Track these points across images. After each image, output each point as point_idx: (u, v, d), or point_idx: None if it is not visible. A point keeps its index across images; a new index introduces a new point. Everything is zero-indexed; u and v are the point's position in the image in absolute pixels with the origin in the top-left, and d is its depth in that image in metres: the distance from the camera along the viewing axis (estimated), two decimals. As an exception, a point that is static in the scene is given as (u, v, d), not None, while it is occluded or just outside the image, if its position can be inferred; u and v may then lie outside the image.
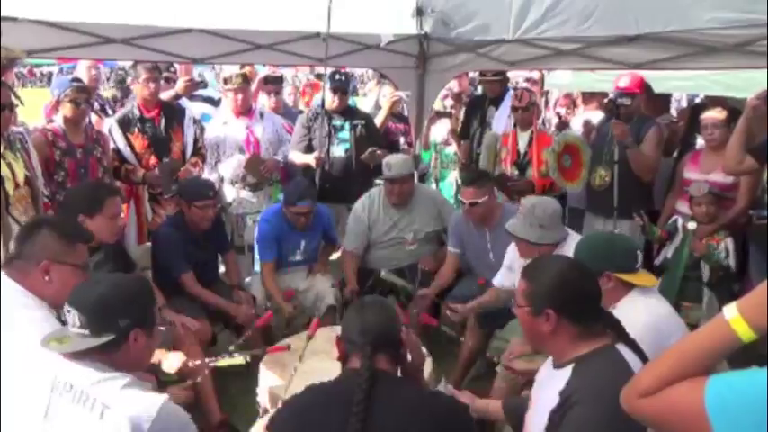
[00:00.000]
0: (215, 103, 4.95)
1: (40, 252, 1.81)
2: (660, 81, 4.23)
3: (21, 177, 2.73)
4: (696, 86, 4.93)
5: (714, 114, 3.47)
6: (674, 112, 5.59)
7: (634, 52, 3.63)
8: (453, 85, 5.28)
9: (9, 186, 2.66)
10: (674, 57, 3.47)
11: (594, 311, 1.58)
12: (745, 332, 0.95)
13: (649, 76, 3.90)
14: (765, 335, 0.95)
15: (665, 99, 4.74)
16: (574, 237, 2.76)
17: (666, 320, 2.00)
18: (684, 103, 6.57)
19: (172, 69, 4.74)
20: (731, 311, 0.97)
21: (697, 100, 5.80)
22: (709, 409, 0.90)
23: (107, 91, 5.11)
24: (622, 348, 1.54)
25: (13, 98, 2.73)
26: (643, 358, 1.55)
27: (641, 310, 1.96)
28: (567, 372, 1.55)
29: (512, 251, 3.00)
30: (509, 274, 2.98)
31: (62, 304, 1.80)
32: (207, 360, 2.54)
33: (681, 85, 4.95)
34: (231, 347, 2.67)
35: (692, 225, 3.29)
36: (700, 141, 3.96)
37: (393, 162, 3.58)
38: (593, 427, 1.44)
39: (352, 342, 1.55)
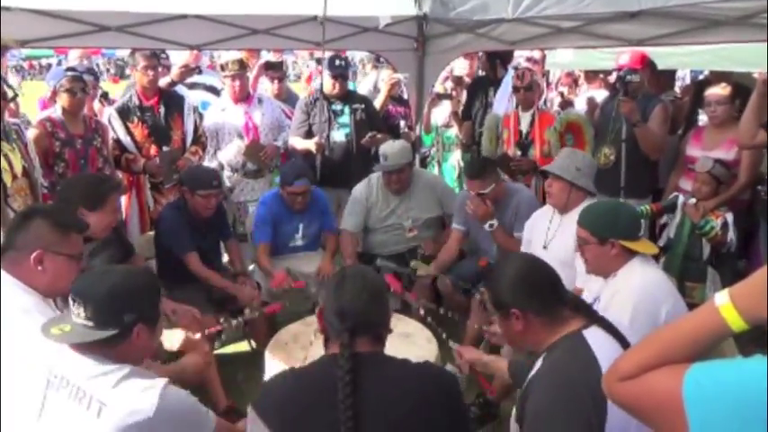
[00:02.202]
0: (218, 92, 4.90)
1: (33, 241, 1.76)
2: (663, 57, 4.17)
3: (18, 168, 2.71)
4: (700, 62, 4.89)
5: (718, 91, 3.42)
6: (677, 89, 5.53)
7: (636, 28, 3.57)
8: (464, 67, 5.21)
9: (7, 178, 2.64)
10: (676, 32, 3.42)
11: (555, 298, 1.61)
12: (735, 321, 0.88)
13: (652, 52, 3.84)
14: (758, 325, 0.89)
15: (669, 76, 4.69)
16: None
17: (659, 286, 2.05)
18: (688, 80, 6.50)
19: (163, 56, 4.68)
20: (722, 298, 0.90)
21: (701, 77, 5.74)
22: (685, 397, 0.85)
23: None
24: (591, 332, 1.55)
25: (6, 89, 2.71)
26: (618, 337, 1.55)
27: (637, 277, 2.03)
28: (540, 361, 1.58)
29: (528, 230, 3.06)
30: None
31: (55, 295, 1.77)
32: (207, 332, 2.49)
33: (684, 60, 4.90)
34: (233, 321, 2.63)
35: (692, 201, 3.27)
36: (703, 118, 3.92)
37: (389, 153, 3.50)
38: (542, 413, 1.45)
39: (330, 323, 1.45)
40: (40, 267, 1.76)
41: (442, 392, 1.42)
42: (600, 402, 1.40)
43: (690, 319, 0.96)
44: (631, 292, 1.95)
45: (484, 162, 3.55)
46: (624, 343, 1.55)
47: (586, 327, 1.56)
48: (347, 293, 1.45)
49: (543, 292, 1.60)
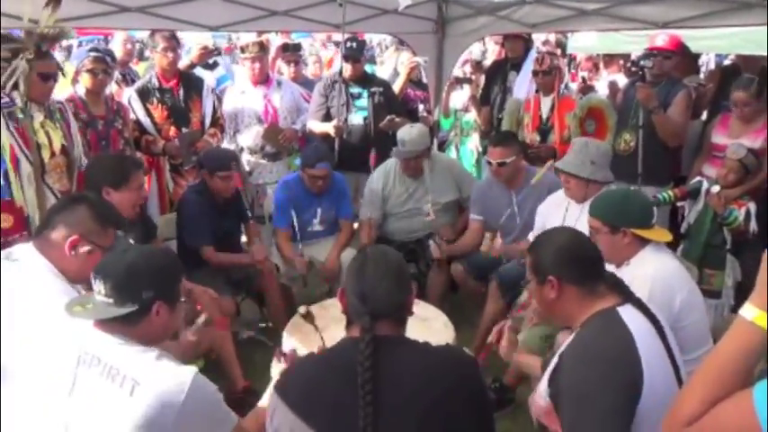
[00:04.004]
0: (210, 67, 4.88)
1: (73, 225, 1.80)
2: (690, 40, 4.05)
3: (57, 146, 2.80)
4: (730, 45, 4.73)
5: (742, 94, 3.26)
6: (701, 74, 5.40)
7: (663, 10, 3.50)
8: (493, 51, 5.15)
9: (45, 154, 2.74)
10: (704, 14, 3.34)
11: (594, 272, 1.64)
12: None
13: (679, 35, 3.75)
14: None
15: (692, 60, 4.57)
16: None
17: (674, 275, 2.04)
18: (712, 65, 6.35)
19: None
20: (750, 311, 0.93)
21: (726, 61, 5.59)
22: (762, 421, 0.85)
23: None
24: (625, 309, 1.56)
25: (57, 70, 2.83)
26: (650, 317, 1.56)
27: (651, 266, 2.02)
28: (572, 336, 1.59)
29: (542, 214, 3.02)
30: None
31: (82, 282, 1.79)
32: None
33: (713, 44, 4.75)
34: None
35: (715, 188, 3.20)
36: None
37: (407, 139, 3.47)
38: (577, 386, 1.46)
39: (351, 305, 1.44)
40: (73, 252, 1.79)
41: (463, 378, 1.41)
42: (636, 376, 1.41)
43: (730, 343, 0.97)
44: (646, 281, 1.94)
45: (508, 133, 3.67)
46: (657, 324, 1.55)
47: (621, 304, 1.57)
48: (369, 276, 1.43)
49: (583, 264, 1.64)
